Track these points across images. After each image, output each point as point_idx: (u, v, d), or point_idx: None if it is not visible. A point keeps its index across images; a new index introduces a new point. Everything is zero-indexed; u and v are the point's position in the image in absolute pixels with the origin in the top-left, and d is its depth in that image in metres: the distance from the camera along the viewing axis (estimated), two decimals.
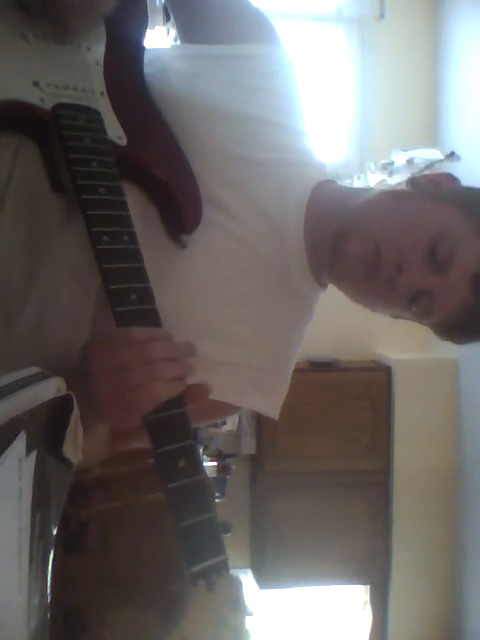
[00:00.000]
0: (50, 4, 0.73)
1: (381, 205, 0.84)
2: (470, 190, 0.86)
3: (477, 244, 0.79)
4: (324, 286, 0.91)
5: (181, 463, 0.66)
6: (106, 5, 0.76)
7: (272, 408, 0.91)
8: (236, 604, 0.64)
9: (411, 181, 0.88)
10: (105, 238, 0.71)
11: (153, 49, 0.92)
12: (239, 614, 0.64)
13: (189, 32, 0.95)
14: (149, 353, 0.66)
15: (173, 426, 0.68)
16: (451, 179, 0.88)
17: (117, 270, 0.71)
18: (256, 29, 0.93)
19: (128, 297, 0.70)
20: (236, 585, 0.65)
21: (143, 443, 0.70)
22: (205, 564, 0.63)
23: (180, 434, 0.67)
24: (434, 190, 0.85)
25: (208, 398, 0.83)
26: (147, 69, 0.86)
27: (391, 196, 0.85)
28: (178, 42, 1.00)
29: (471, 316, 0.81)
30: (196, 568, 0.63)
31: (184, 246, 0.80)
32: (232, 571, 0.65)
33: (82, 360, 0.67)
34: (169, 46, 0.96)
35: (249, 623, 0.65)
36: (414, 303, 0.80)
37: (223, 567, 0.64)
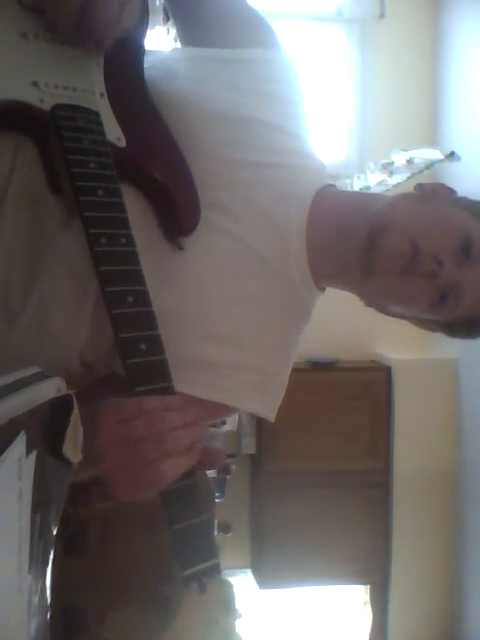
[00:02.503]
0: (78, 26, 0.73)
1: (409, 205, 0.87)
2: (469, 199, 0.91)
3: None
4: (322, 290, 0.91)
5: None
6: (130, 20, 0.77)
7: (269, 410, 0.91)
8: (227, 606, 0.65)
9: (420, 186, 0.92)
10: (103, 240, 0.71)
11: (157, 51, 0.92)
12: (230, 616, 0.65)
13: (191, 36, 0.95)
14: (161, 424, 0.65)
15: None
16: (448, 189, 0.93)
17: (114, 272, 0.71)
18: (258, 33, 0.93)
19: (124, 300, 0.70)
20: (227, 588, 0.65)
21: None
22: (197, 567, 0.63)
23: None
24: (447, 196, 0.90)
25: (204, 399, 0.83)
26: (151, 71, 0.86)
27: (414, 198, 0.89)
28: (179, 43, 1.00)
29: None
30: (188, 571, 0.63)
31: (181, 248, 0.80)
32: (224, 574, 0.65)
33: (91, 423, 0.65)
34: (173, 48, 0.96)
35: (240, 625, 0.66)
36: (445, 298, 0.84)
37: (215, 570, 0.64)
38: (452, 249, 0.82)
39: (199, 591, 0.62)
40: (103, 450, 0.65)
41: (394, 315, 0.92)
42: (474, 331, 0.92)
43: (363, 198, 0.93)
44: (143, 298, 0.72)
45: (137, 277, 0.72)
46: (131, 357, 0.68)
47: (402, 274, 0.82)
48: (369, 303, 0.91)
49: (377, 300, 0.90)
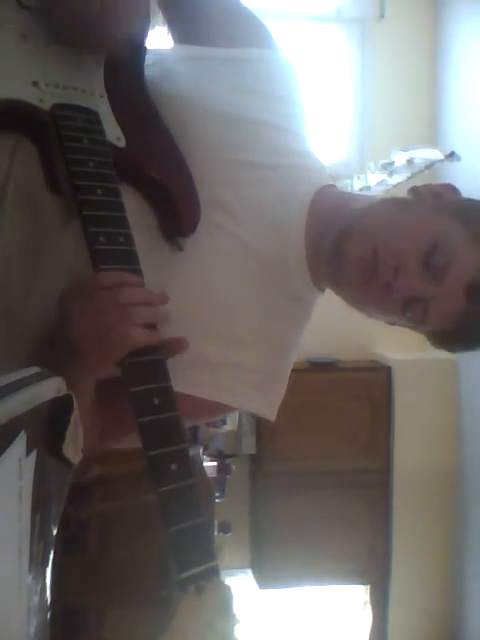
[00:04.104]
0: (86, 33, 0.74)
1: (382, 211, 0.85)
2: (470, 201, 0.87)
3: (474, 254, 0.79)
4: (322, 290, 0.91)
5: (173, 466, 0.65)
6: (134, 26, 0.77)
7: (269, 410, 0.91)
8: (225, 610, 0.64)
9: (413, 190, 0.89)
10: (101, 239, 0.71)
11: (156, 50, 0.92)
12: (227, 620, 0.64)
13: (186, 36, 0.94)
14: (122, 297, 0.68)
15: (151, 373, 0.68)
16: (452, 189, 0.89)
17: (112, 271, 0.71)
18: (255, 34, 0.93)
19: None
20: (225, 591, 0.64)
21: (137, 443, 0.69)
22: (195, 570, 0.63)
23: (173, 436, 0.67)
24: (435, 200, 0.86)
25: (205, 398, 0.83)
26: (150, 70, 0.86)
27: (392, 203, 0.86)
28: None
29: (465, 325, 0.81)
30: (185, 574, 0.62)
31: (181, 249, 0.80)
32: (223, 577, 0.64)
33: (59, 309, 0.69)
34: (172, 47, 0.95)
35: (238, 631, 0.65)
36: (408, 309, 0.81)
37: (213, 573, 0.63)
38: (415, 260, 0.78)
39: (196, 594, 0.62)
40: (69, 319, 0.68)
41: (377, 319, 0.90)
42: (449, 345, 0.88)
43: (346, 200, 0.90)
44: None
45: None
46: (129, 356, 0.68)
47: (364, 283, 0.80)
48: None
49: (350, 305, 0.88)
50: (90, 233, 0.71)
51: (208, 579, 0.63)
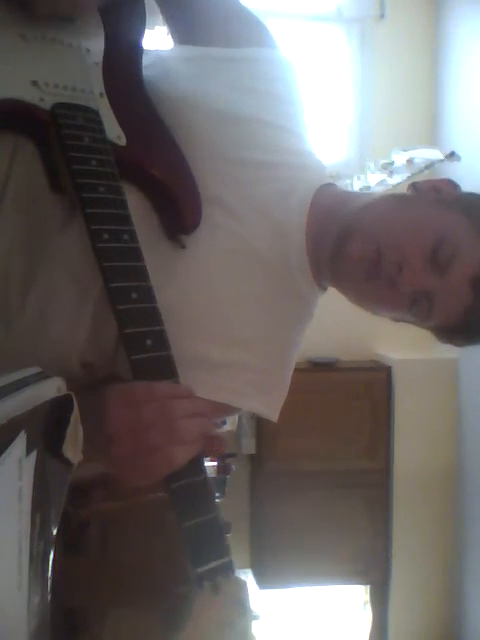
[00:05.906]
0: None
1: (384, 207, 0.85)
2: (471, 195, 0.87)
3: (478, 247, 0.79)
4: (324, 289, 0.91)
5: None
6: None
7: (271, 410, 0.91)
8: (242, 607, 0.63)
9: (413, 186, 0.89)
10: (105, 236, 0.71)
11: (155, 50, 0.92)
12: (245, 617, 0.63)
13: (185, 36, 0.94)
14: (171, 411, 0.65)
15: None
16: (452, 184, 0.89)
17: (117, 268, 0.71)
18: (254, 33, 0.94)
19: (129, 295, 0.70)
20: (242, 587, 0.63)
21: None
22: (210, 565, 0.62)
23: None
24: (435, 195, 0.86)
25: (206, 398, 0.83)
26: (149, 70, 0.87)
27: (394, 199, 0.86)
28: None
29: (471, 318, 0.81)
30: (200, 569, 0.62)
31: (183, 247, 0.80)
32: (237, 573, 0.64)
33: (99, 406, 0.65)
34: (171, 48, 0.95)
35: (255, 627, 0.64)
36: (415, 305, 0.81)
37: (228, 568, 0.63)
38: (420, 255, 0.78)
39: (213, 591, 0.61)
40: (113, 434, 0.64)
41: (382, 316, 0.90)
42: (456, 340, 0.88)
43: (346, 198, 0.90)
44: (147, 294, 0.72)
45: (141, 273, 0.72)
46: (136, 353, 0.68)
47: (367, 280, 0.80)
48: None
49: (354, 303, 0.88)
50: (94, 231, 0.71)
51: (224, 575, 0.62)
